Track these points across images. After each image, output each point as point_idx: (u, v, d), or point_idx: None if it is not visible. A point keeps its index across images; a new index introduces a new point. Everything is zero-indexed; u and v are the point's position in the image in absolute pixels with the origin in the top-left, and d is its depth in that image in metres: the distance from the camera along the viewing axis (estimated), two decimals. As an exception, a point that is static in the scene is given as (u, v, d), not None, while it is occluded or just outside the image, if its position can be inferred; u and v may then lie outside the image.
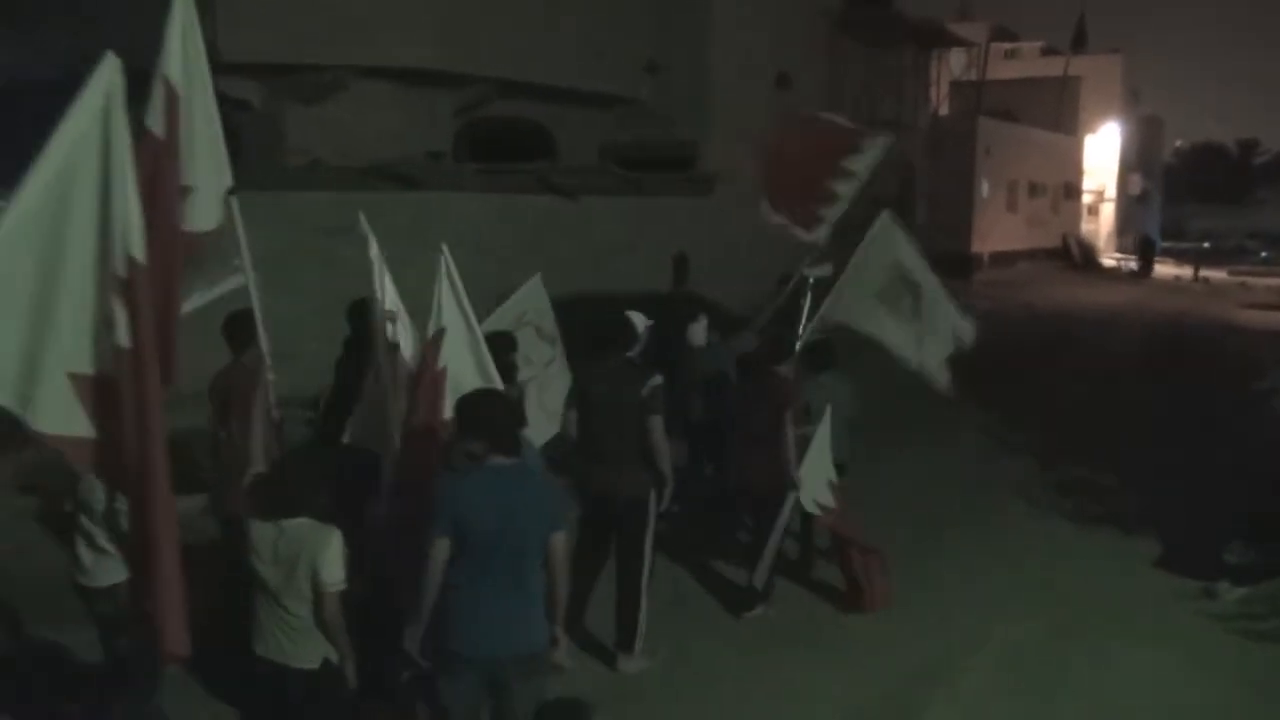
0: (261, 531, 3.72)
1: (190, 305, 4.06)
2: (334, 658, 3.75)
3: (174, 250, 3.66)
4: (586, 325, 6.79)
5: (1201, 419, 11.43)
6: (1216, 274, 33.05)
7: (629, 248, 13.09)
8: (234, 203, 4.09)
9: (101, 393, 3.30)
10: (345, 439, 4.73)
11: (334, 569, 3.65)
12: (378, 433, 4.65)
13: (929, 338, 6.75)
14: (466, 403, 3.86)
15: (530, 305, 6.40)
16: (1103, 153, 39.41)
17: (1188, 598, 6.59)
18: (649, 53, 15.33)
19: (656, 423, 5.26)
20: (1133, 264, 34.72)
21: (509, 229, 11.74)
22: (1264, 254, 42.18)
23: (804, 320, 6.84)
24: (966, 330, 6.85)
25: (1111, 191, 40.64)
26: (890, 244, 6.76)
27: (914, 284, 6.76)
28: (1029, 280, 27.88)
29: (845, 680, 5.43)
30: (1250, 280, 31.40)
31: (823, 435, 6.12)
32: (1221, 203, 60.42)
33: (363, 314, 5.17)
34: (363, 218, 4.55)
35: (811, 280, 6.94)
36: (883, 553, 6.31)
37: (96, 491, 3.99)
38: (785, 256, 8.12)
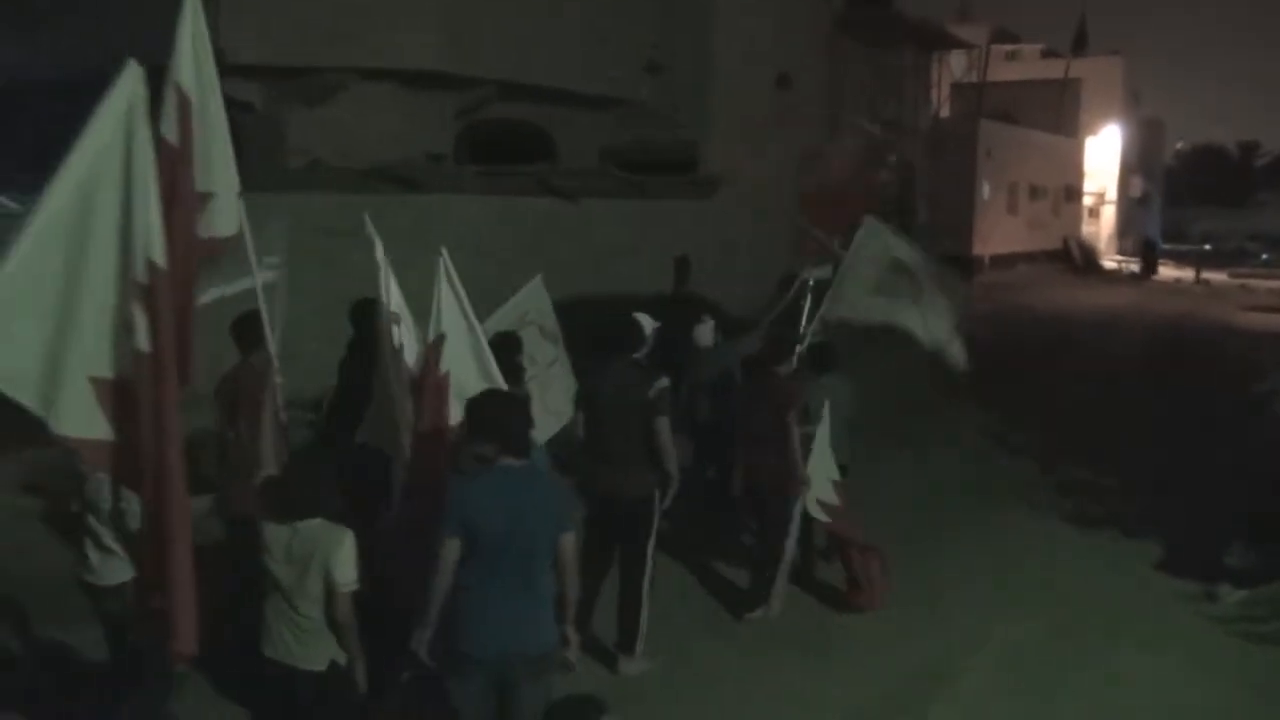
0: (275, 532, 3.74)
1: (207, 298, 4.10)
2: (341, 660, 3.77)
3: (191, 257, 3.69)
4: (587, 327, 6.80)
5: (1202, 421, 11.42)
6: (1217, 276, 33.03)
7: (630, 250, 13.09)
8: (241, 205, 4.12)
9: (121, 396, 3.35)
10: (359, 440, 4.74)
11: (347, 569, 3.68)
12: (388, 435, 4.66)
13: (931, 316, 6.88)
14: (476, 404, 3.88)
15: (532, 305, 6.41)
16: (1103, 155, 39.40)
17: (1188, 600, 6.60)
18: (649, 54, 15.33)
19: (663, 424, 5.30)
20: (1134, 266, 34.72)
21: (510, 231, 11.74)
22: (1265, 256, 42.12)
23: (804, 321, 6.88)
24: (958, 356, 7.01)
25: (1112, 194, 40.64)
26: (878, 243, 6.93)
27: (907, 269, 6.90)
28: (1029, 282, 27.87)
29: (846, 681, 5.43)
30: (1251, 282, 31.37)
31: (824, 435, 6.15)
32: (1222, 205, 60.33)
33: (366, 314, 5.19)
34: (368, 221, 4.57)
35: (812, 282, 7.02)
36: (882, 552, 6.31)
37: (103, 491, 4.03)
38: (785, 258, 8.15)
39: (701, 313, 7.99)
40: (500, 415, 3.82)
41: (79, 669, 4.91)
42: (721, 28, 15.93)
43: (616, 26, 14.58)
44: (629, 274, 12.03)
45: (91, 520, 4.18)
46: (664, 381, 5.33)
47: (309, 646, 3.75)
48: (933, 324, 6.90)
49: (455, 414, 4.35)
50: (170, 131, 3.68)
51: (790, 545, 6.07)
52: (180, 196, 3.64)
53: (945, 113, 29.51)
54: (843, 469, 6.41)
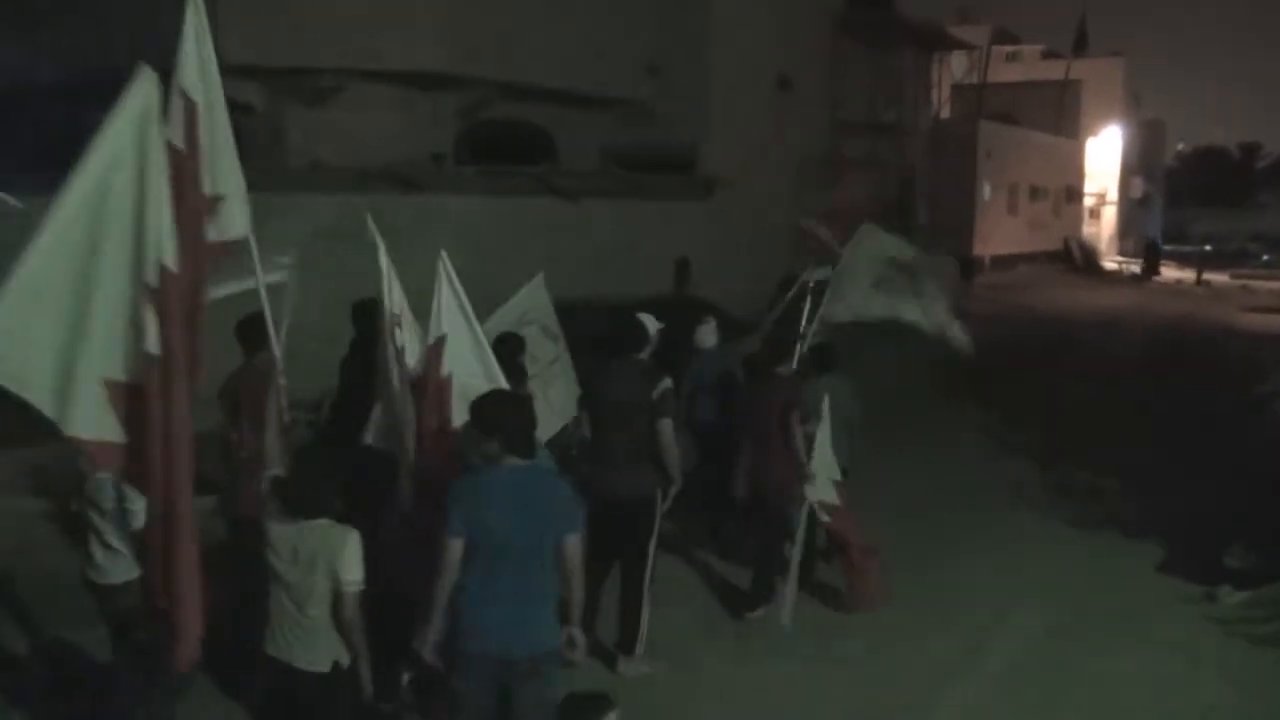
0: (281, 532, 3.76)
1: (223, 291, 4.12)
2: (344, 661, 3.78)
3: (201, 261, 3.71)
4: (587, 328, 6.81)
5: (1203, 422, 11.42)
6: (1218, 277, 33.04)
7: (630, 250, 13.09)
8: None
9: (132, 399, 3.38)
10: (367, 441, 4.75)
11: (353, 569, 3.69)
12: (394, 436, 4.67)
13: (930, 304, 6.97)
14: (480, 404, 3.89)
15: (532, 304, 6.42)
16: (1104, 156, 39.43)
17: (1189, 601, 6.59)
18: (650, 55, 15.33)
19: (666, 425, 5.31)
20: (1134, 267, 34.72)
21: (510, 231, 11.74)
22: (1266, 257, 42.18)
23: (804, 322, 6.89)
24: (961, 338, 7.07)
25: (1113, 195, 40.66)
26: (874, 242, 7.06)
27: (904, 265, 7.00)
28: (1030, 283, 27.89)
29: (847, 682, 5.43)
30: (1252, 283, 31.38)
31: (825, 435, 6.15)
32: (1223, 206, 60.34)
33: (368, 314, 5.20)
34: (371, 223, 4.57)
35: (812, 283, 7.03)
36: (880, 551, 6.31)
37: (104, 490, 4.05)
38: (785, 259, 8.17)
39: (704, 314, 8.00)
40: (504, 415, 3.83)
41: (80, 669, 4.91)
42: (721, 29, 15.94)
43: (617, 27, 14.58)
44: (629, 274, 12.02)
45: (95, 519, 4.20)
46: (667, 382, 5.34)
47: (312, 647, 3.76)
48: (932, 311, 6.98)
49: (458, 416, 4.35)
50: (177, 137, 3.71)
51: (795, 551, 6.06)
52: (188, 200, 3.66)
53: (946, 114, 29.55)
54: (843, 470, 6.40)
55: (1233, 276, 33.67)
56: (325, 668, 3.75)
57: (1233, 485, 8.69)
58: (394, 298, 4.54)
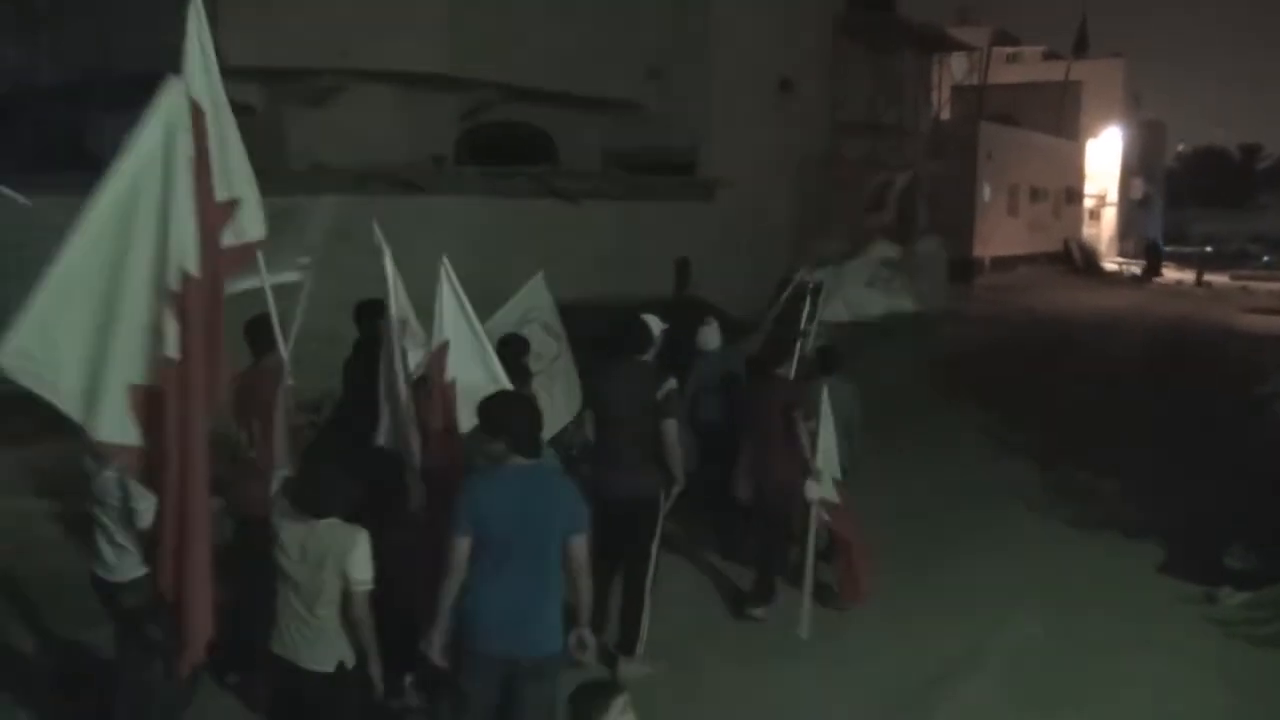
0: (291, 531, 3.77)
1: (238, 287, 4.13)
2: (349, 662, 3.79)
3: (219, 266, 3.73)
4: (587, 329, 6.81)
5: (1203, 422, 11.42)
6: (1219, 278, 33.04)
7: (631, 252, 13.10)
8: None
9: (151, 403, 3.42)
10: (379, 442, 4.76)
11: (363, 568, 3.70)
12: (400, 436, 4.68)
13: (925, 291, 7.15)
14: (486, 405, 3.91)
15: (534, 303, 6.42)
16: (1104, 157, 39.42)
17: (1189, 602, 6.59)
18: (650, 56, 15.34)
19: (670, 425, 5.32)
20: (1135, 268, 34.73)
21: (510, 233, 11.74)
22: (1266, 258, 42.20)
23: (804, 322, 6.91)
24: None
25: (1113, 196, 40.66)
26: (873, 251, 7.15)
27: (897, 264, 7.08)
28: (1030, 284, 27.88)
29: (847, 684, 5.42)
30: (1252, 285, 31.37)
31: (828, 434, 6.16)
32: (1223, 207, 60.39)
33: (371, 315, 5.20)
34: (377, 229, 4.58)
35: (811, 285, 7.06)
36: (871, 550, 6.35)
37: (110, 489, 4.06)
38: (785, 260, 8.18)
39: (706, 315, 8.01)
40: (509, 415, 3.85)
41: (86, 668, 4.91)
42: (722, 31, 15.96)
43: (617, 28, 14.59)
44: (630, 275, 12.04)
45: (102, 517, 4.22)
46: (672, 383, 5.36)
47: (318, 647, 3.77)
48: (926, 294, 7.17)
49: (464, 421, 4.36)
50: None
51: (809, 560, 6.05)
52: (203, 206, 3.67)
53: (946, 115, 29.54)
54: (843, 470, 6.41)
55: (1233, 278, 33.66)
56: (330, 668, 3.76)
57: (1233, 486, 8.69)
58: (399, 302, 4.56)
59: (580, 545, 3.81)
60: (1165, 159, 53.71)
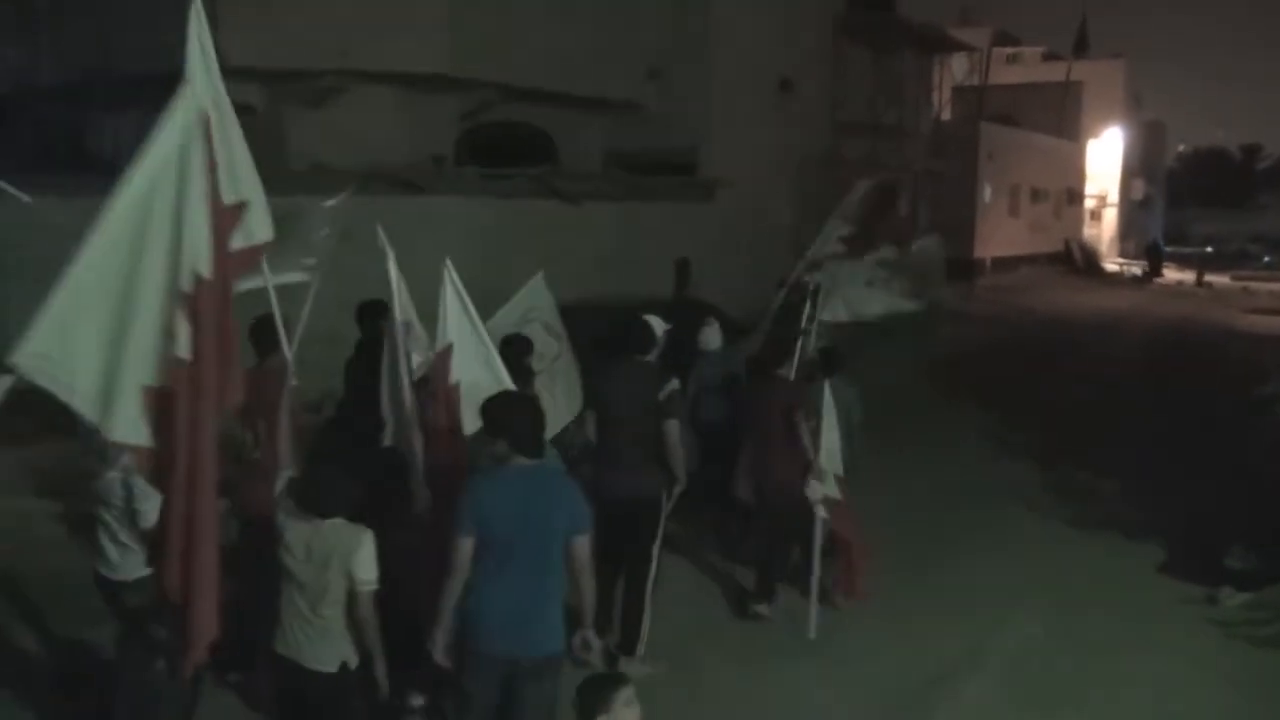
0: (296, 531, 3.78)
1: (244, 286, 4.14)
2: (353, 662, 3.79)
3: (229, 269, 3.74)
4: (587, 329, 6.81)
5: (1203, 423, 11.42)
6: (1219, 279, 33.04)
7: (631, 252, 13.10)
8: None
9: (162, 404, 3.44)
10: (388, 443, 4.76)
11: (368, 568, 3.71)
12: (404, 438, 4.68)
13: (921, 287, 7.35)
14: (489, 405, 3.92)
15: (534, 303, 6.43)
16: (1105, 157, 39.43)
17: (1189, 603, 6.59)
18: (651, 57, 15.34)
19: (673, 426, 5.33)
20: (1135, 268, 34.73)
21: (511, 233, 11.74)
22: (1266, 259, 42.21)
23: (804, 322, 6.91)
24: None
25: (1114, 196, 40.66)
26: (873, 255, 7.26)
27: (894, 263, 7.35)
28: (1031, 285, 27.89)
29: (847, 685, 5.42)
30: (1253, 285, 31.38)
31: (831, 431, 6.16)
32: (1224, 207, 60.41)
33: (373, 316, 5.20)
34: (381, 233, 4.58)
35: (811, 286, 7.06)
36: (871, 549, 6.35)
37: (114, 489, 4.06)
38: (785, 261, 8.20)
39: (707, 315, 8.01)
40: (512, 415, 3.87)
41: (88, 667, 4.91)
42: (722, 31, 15.95)
43: (618, 28, 14.59)
44: (630, 276, 12.03)
45: (106, 517, 4.23)
46: (674, 384, 5.36)
47: (322, 647, 3.78)
48: (926, 295, 7.26)
49: (468, 422, 4.36)
50: None
51: (815, 564, 6.04)
52: (214, 209, 3.68)
53: (947, 115, 29.53)
54: (844, 471, 6.40)
55: (1233, 278, 33.66)
56: (334, 668, 3.77)
57: (1233, 486, 8.68)
58: (403, 304, 4.56)
59: (583, 545, 3.82)
60: (1166, 159, 53.74)
